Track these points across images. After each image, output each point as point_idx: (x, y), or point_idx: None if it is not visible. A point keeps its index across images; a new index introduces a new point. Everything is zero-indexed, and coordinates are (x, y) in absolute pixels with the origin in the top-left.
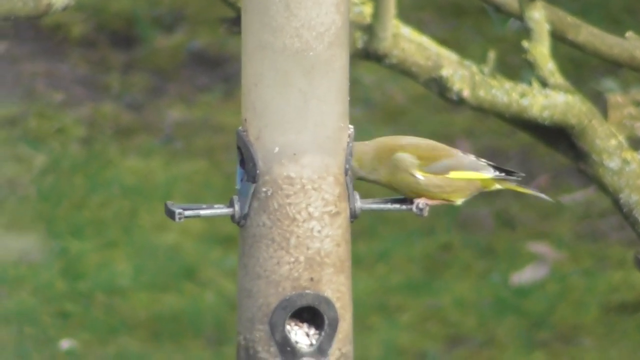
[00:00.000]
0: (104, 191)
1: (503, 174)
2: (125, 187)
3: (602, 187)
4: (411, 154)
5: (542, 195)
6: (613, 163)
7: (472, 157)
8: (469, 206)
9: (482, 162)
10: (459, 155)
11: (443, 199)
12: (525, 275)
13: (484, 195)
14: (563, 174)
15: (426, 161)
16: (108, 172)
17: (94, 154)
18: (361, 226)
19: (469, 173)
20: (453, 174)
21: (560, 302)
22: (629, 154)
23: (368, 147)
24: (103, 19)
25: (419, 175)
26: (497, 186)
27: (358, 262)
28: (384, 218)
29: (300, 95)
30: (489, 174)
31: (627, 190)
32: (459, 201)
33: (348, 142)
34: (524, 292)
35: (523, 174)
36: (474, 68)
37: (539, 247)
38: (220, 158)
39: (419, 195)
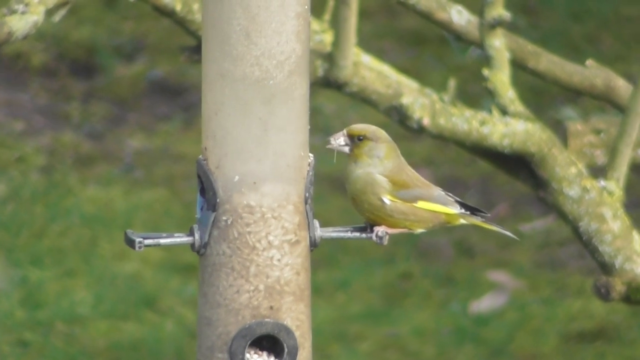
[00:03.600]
0: (63, 220)
1: (469, 212)
2: (85, 216)
3: (562, 215)
4: (389, 179)
5: (508, 233)
6: (573, 191)
7: (441, 191)
8: (428, 235)
9: (450, 197)
10: (431, 187)
11: (404, 227)
12: (485, 303)
13: (443, 227)
14: (523, 203)
15: (399, 187)
16: (68, 201)
17: (54, 183)
18: (321, 255)
19: (436, 206)
20: (421, 204)
21: (520, 331)
22: (588, 182)
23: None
24: (63, 48)
25: (386, 200)
26: (462, 221)
27: (318, 290)
28: (343, 247)
29: (261, 123)
30: (456, 210)
31: (586, 218)
32: (419, 231)
33: (308, 171)
34: (483, 320)
35: (488, 214)
36: (435, 96)
37: (498, 276)
38: (180, 187)
39: (379, 218)
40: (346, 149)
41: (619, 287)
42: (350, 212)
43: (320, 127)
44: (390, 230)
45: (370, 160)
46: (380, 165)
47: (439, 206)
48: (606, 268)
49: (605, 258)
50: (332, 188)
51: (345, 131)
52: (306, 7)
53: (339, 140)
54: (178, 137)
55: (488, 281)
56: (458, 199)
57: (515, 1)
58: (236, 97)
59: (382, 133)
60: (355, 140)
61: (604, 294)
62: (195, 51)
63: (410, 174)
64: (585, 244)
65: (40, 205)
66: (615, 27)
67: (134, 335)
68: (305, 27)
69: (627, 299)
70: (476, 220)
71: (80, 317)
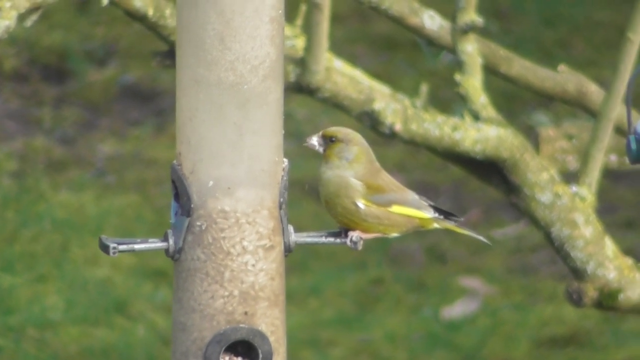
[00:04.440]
0: (35, 225)
1: (442, 216)
2: (57, 221)
3: (534, 221)
4: (363, 182)
5: (481, 237)
6: (545, 197)
7: (415, 196)
8: (400, 241)
9: (424, 201)
10: (405, 192)
11: (379, 232)
12: (456, 309)
13: (417, 231)
14: (495, 208)
15: (373, 191)
16: (39, 206)
17: (26, 188)
18: (293, 261)
19: (410, 210)
20: (395, 208)
21: (491, 337)
22: (560, 188)
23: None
24: (35, 53)
25: (361, 204)
26: (436, 225)
27: (290, 296)
28: (315, 252)
29: (235, 128)
30: (429, 214)
31: (558, 224)
32: (393, 235)
33: (282, 176)
34: (455, 326)
35: (461, 218)
36: (407, 101)
37: (470, 282)
38: (152, 192)
39: (353, 223)
40: (320, 149)
41: (590, 292)
42: (323, 217)
43: (292, 133)
44: (365, 235)
45: (339, 162)
46: (349, 168)
47: (413, 210)
48: (578, 274)
49: (577, 264)
50: (303, 193)
51: (320, 133)
52: (280, 11)
53: (313, 141)
54: (150, 142)
55: (460, 287)
56: (432, 203)
57: (488, 6)
58: (211, 102)
59: (355, 136)
60: (328, 141)
61: (575, 300)
62: (167, 56)
63: (386, 178)
64: (557, 250)
65: (11, 210)
66: (587, 32)
67: (105, 340)
68: (280, 32)
69: (599, 304)
70: (449, 225)
71: (52, 322)
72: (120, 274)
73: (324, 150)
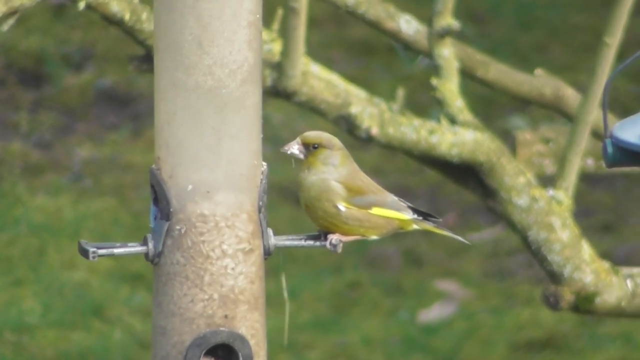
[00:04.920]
0: (12, 229)
1: (421, 217)
2: (34, 225)
3: (511, 225)
4: (344, 185)
5: (459, 238)
6: (522, 200)
7: (394, 197)
8: (377, 244)
9: (403, 203)
10: (385, 193)
11: (359, 234)
12: (433, 313)
13: (393, 234)
14: (471, 212)
15: (354, 194)
16: (16, 211)
17: (2, 193)
18: (270, 264)
19: (390, 212)
20: (375, 210)
21: (468, 340)
22: (537, 192)
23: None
24: (11, 57)
25: (341, 207)
26: (415, 227)
27: (267, 300)
28: (292, 256)
29: (214, 132)
30: (409, 215)
31: (535, 227)
32: (373, 238)
33: (261, 179)
34: (432, 330)
35: (440, 219)
36: (383, 105)
37: (447, 285)
38: (129, 196)
39: (334, 226)
40: (301, 156)
41: (567, 296)
42: (300, 220)
43: (269, 137)
44: (345, 238)
45: (325, 168)
46: (335, 172)
47: (393, 212)
48: (555, 277)
49: (554, 267)
50: (281, 197)
51: (299, 139)
52: (258, 16)
53: (294, 149)
54: (126, 146)
55: (436, 290)
56: (410, 205)
57: (464, 10)
58: (189, 106)
59: (336, 140)
60: (310, 148)
61: (552, 303)
62: (144, 60)
63: (365, 180)
64: (534, 253)
65: None
66: (564, 36)
67: (82, 344)
68: (257, 36)
69: (576, 308)
70: (428, 226)
71: (29, 326)
72: (97, 278)
73: (306, 157)
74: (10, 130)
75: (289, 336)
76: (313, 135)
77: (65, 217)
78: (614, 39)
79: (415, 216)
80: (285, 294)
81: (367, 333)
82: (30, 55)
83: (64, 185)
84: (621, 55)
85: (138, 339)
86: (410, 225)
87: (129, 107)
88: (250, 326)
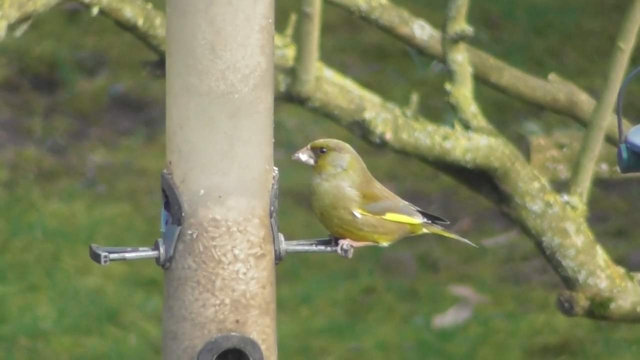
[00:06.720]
0: (26, 235)
1: (430, 221)
2: (48, 230)
3: (525, 230)
4: (359, 192)
5: (467, 241)
6: (536, 206)
7: (405, 202)
8: (391, 250)
9: (413, 208)
10: (396, 199)
11: (372, 240)
12: (448, 318)
13: (407, 239)
14: (485, 217)
15: (368, 200)
16: (30, 216)
17: (17, 198)
18: (284, 269)
19: (402, 217)
20: (389, 216)
21: (483, 345)
22: (551, 197)
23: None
24: (25, 62)
25: (357, 214)
26: (424, 230)
27: (281, 305)
28: (306, 261)
29: (226, 137)
30: (419, 219)
31: (549, 233)
32: (385, 243)
33: (273, 184)
34: (447, 335)
35: (448, 222)
36: (397, 111)
37: (462, 290)
38: (143, 201)
39: (348, 232)
40: (311, 161)
41: (582, 301)
42: (313, 226)
43: (282, 142)
44: (355, 243)
45: (335, 170)
46: (346, 176)
47: (405, 217)
48: (569, 283)
49: (569, 272)
50: (294, 202)
51: (308, 146)
52: (270, 20)
53: (303, 155)
54: (140, 151)
55: (451, 295)
56: (419, 209)
57: (478, 15)
58: (201, 111)
59: (345, 145)
60: (319, 152)
61: (567, 309)
62: (157, 66)
63: (378, 186)
64: (549, 259)
65: (2, 220)
66: (578, 41)
67: (96, 349)
68: (270, 41)
69: (591, 313)
70: (437, 229)
71: (43, 332)
72: (112, 283)
73: (316, 162)
74: (24, 135)
75: (304, 341)
76: (321, 140)
77: (79, 223)
78: (628, 44)
79: (425, 220)
80: None
81: (382, 338)
82: (44, 61)
83: (78, 190)
84: (635, 60)
85: (153, 344)
86: (420, 229)
87: (142, 112)
88: (261, 331)
